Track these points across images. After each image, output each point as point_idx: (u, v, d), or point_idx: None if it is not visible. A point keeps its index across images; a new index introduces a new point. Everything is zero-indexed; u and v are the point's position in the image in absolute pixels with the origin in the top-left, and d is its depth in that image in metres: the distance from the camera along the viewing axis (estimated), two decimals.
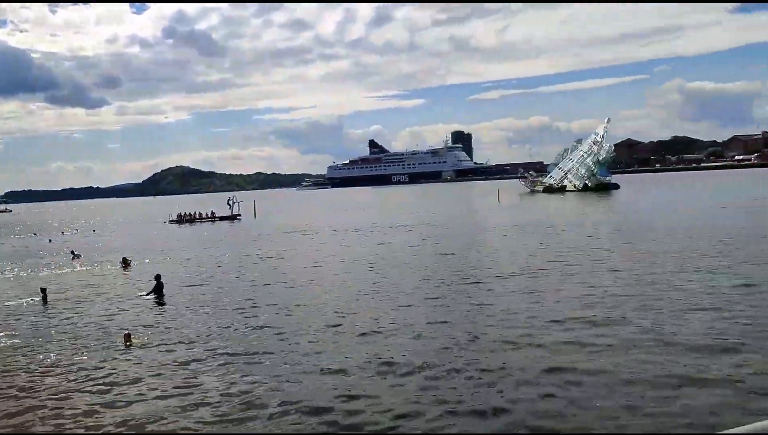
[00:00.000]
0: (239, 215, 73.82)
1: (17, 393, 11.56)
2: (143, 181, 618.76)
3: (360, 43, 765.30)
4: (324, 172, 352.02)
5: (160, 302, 20.39)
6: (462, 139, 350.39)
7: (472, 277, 21.72)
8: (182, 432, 9.38)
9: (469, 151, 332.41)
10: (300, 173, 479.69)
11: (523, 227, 40.53)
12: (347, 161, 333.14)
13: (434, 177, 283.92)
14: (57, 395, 11.29)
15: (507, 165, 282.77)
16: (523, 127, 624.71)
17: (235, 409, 10.09)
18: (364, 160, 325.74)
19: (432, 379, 11.02)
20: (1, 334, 16.54)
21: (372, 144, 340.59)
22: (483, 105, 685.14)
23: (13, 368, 13.24)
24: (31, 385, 12.00)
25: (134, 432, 9.47)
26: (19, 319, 18.62)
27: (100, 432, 9.53)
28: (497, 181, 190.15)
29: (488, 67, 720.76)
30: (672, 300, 16.12)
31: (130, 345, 14.35)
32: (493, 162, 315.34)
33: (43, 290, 21.74)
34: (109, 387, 11.59)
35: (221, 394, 10.78)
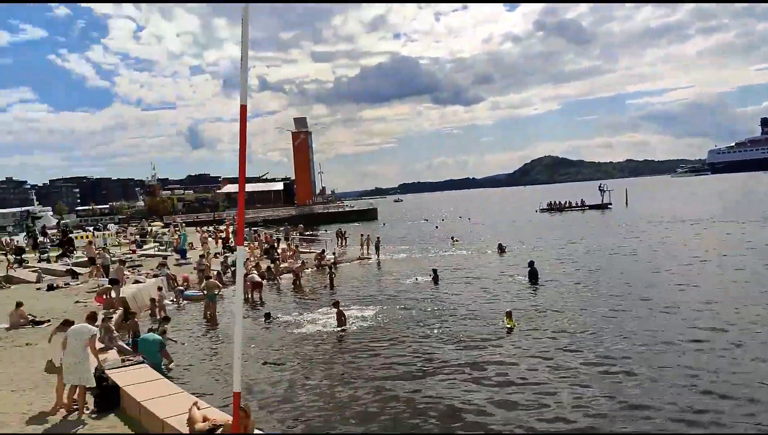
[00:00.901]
0: (610, 204, 72.02)
1: (400, 357, 13.24)
2: (514, 172, 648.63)
3: (750, 9, 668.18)
4: (703, 156, 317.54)
5: (535, 288, 21.10)
6: None
7: None
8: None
9: None
10: (675, 159, 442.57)
11: None
12: (732, 144, 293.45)
13: None
14: (441, 364, 12.58)
15: None
16: None
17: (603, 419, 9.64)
18: (753, 141, 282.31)
19: None
20: (401, 307, 19.18)
21: (764, 122, 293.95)
22: None
23: (405, 337, 15.21)
24: (426, 353, 13.60)
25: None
26: (415, 296, 21.27)
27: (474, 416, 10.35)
28: None
29: None
30: None
31: (511, 325, 15.23)
32: None
33: (434, 271, 24.46)
34: (485, 365, 12.39)
35: (589, 397, 10.36)
